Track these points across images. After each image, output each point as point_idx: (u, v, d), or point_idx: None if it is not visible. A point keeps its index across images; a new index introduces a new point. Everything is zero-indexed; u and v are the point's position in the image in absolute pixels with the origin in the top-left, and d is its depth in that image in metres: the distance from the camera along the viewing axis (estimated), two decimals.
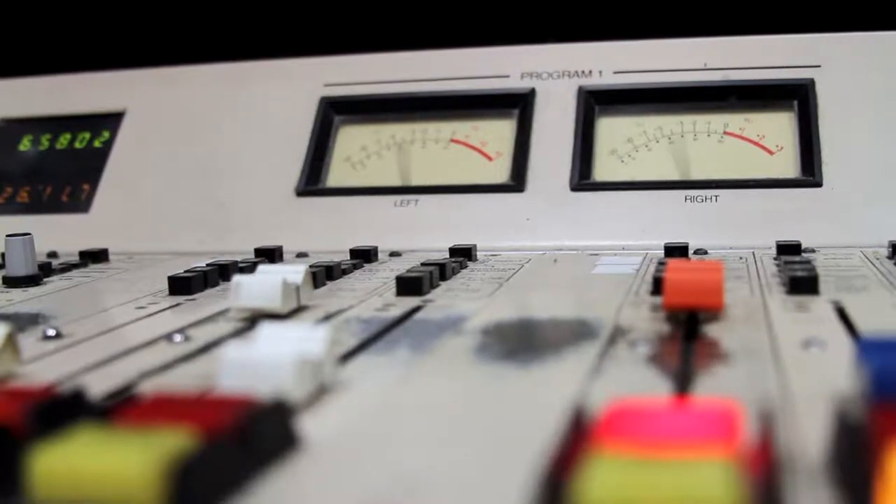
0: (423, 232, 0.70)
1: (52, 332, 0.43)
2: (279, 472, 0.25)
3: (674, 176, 0.70)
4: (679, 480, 0.19)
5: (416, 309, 0.46)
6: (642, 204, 0.68)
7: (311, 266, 0.54)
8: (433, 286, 0.52)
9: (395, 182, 0.74)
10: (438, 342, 0.39)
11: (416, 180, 0.74)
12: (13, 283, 0.58)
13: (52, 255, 0.73)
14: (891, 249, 0.58)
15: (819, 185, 0.67)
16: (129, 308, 0.50)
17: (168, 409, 0.25)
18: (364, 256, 0.63)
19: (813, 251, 0.61)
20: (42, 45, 1.01)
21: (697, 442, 0.22)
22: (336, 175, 0.76)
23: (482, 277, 0.55)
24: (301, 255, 0.68)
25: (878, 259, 0.57)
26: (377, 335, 0.41)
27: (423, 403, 0.32)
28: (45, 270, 0.62)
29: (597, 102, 0.74)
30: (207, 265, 0.58)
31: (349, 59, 0.79)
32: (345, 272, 0.58)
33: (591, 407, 0.26)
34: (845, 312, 0.42)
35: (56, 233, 0.75)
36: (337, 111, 0.78)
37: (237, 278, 0.45)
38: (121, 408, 0.26)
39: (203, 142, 0.79)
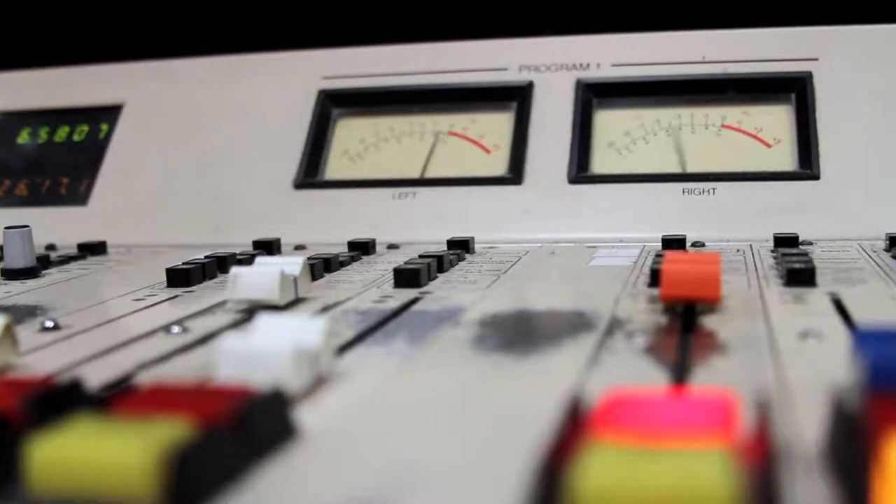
0: (420, 224, 0.70)
1: (50, 324, 0.43)
2: (276, 462, 0.25)
3: (672, 169, 0.70)
4: (675, 470, 0.20)
5: (414, 301, 0.46)
6: (640, 196, 0.68)
7: (309, 258, 0.54)
8: (431, 278, 0.52)
9: (394, 175, 0.74)
10: (436, 333, 0.39)
11: (414, 173, 0.74)
12: (11, 275, 0.58)
13: (51, 247, 0.73)
14: (888, 242, 0.58)
15: (816, 177, 0.67)
16: (126, 300, 0.50)
17: (165, 398, 0.25)
18: (362, 249, 0.63)
19: (810, 243, 0.61)
20: (40, 37, 1.01)
21: (694, 432, 0.22)
22: (334, 168, 0.76)
23: (480, 269, 0.55)
24: (299, 247, 0.68)
25: (874, 251, 0.57)
26: (375, 327, 0.41)
27: (420, 394, 0.32)
28: (44, 263, 0.62)
29: (595, 95, 0.74)
30: (206, 257, 0.58)
31: (347, 51, 0.79)
32: (343, 264, 0.58)
33: (588, 397, 0.26)
34: (842, 304, 0.42)
35: (54, 225, 0.75)
36: (335, 104, 0.78)
37: (235, 270, 0.45)
38: (118, 398, 0.26)
39: (201, 135, 0.79)
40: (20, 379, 0.28)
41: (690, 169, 0.69)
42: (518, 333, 0.39)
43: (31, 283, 0.57)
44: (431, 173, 0.74)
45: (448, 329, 0.40)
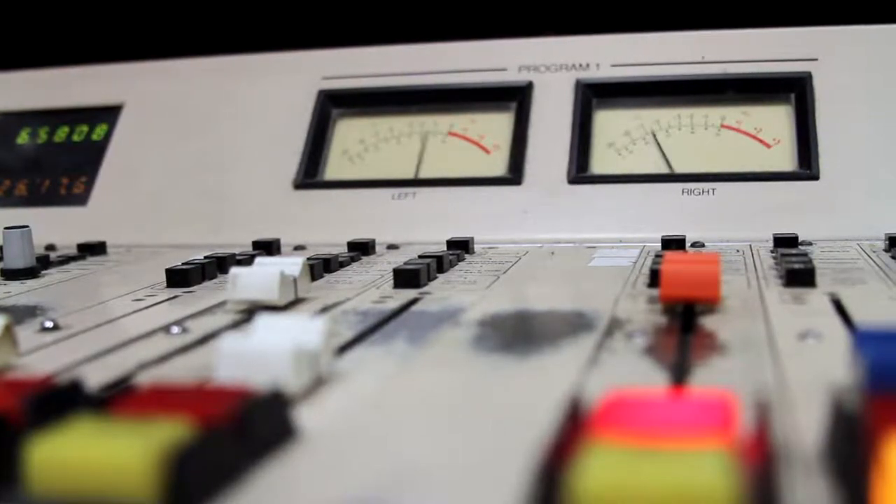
0: (420, 225, 0.70)
1: (49, 324, 0.43)
2: (275, 462, 0.25)
3: (665, 169, 0.70)
4: (675, 470, 0.20)
5: (414, 301, 0.46)
6: (640, 196, 0.68)
7: (308, 258, 0.54)
8: (430, 278, 0.52)
9: (393, 175, 0.74)
10: (435, 334, 0.39)
11: (414, 173, 0.74)
12: (11, 275, 0.58)
13: (51, 247, 0.73)
14: (887, 242, 0.58)
15: (816, 178, 0.67)
16: (126, 300, 0.50)
17: (165, 399, 0.25)
18: (362, 249, 0.63)
19: (810, 244, 0.61)
20: (40, 37, 1.01)
21: (694, 432, 0.22)
22: (334, 168, 0.76)
23: (479, 270, 0.55)
24: (299, 247, 0.68)
25: (874, 252, 0.57)
26: (374, 327, 0.41)
27: (420, 394, 0.32)
28: (43, 263, 0.62)
29: (594, 95, 0.74)
30: (205, 258, 0.58)
31: (347, 52, 0.79)
32: (342, 265, 0.58)
33: (588, 397, 0.26)
34: (842, 304, 0.42)
35: (54, 225, 0.75)
36: (335, 104, 0.78)
37: (235, 270, 0.45)
38: (118, 398, 0.26)
39: (201, 135, 0.79)
40: (20, 379, 0.28)
41: (689, 169, 0.69)
42: (518, 334, 0.39)
43: (30, 283, 0.57)
44: (431, 173, 0.74)
45: (448, 329, 0.40)
